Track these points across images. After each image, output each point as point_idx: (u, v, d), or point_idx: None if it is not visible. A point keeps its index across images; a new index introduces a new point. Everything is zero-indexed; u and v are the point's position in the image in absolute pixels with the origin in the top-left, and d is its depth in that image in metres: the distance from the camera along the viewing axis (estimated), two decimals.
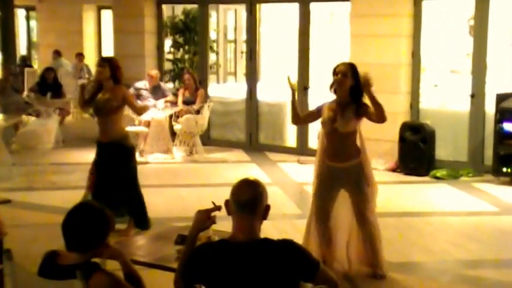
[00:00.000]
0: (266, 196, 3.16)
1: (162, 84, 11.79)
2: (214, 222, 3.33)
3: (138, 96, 11.19)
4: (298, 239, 6.58)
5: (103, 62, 6.70)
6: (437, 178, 9.57)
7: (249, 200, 3.09)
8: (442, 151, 10.00)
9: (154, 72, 11.59)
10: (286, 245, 3.11)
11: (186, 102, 11.18)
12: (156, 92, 11.39)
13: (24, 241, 6.10)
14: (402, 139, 9.91)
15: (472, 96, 9.80)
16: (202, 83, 12.05)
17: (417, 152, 9.74)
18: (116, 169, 6.72)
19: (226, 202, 3.16)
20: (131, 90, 11.30)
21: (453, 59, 11.47)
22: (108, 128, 6.66)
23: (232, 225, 3.14)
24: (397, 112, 10.14)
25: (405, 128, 9.92)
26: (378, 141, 10.19)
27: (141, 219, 6.92)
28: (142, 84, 11.44)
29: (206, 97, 11.60)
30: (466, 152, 9.90)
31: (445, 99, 10.82)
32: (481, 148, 9.83)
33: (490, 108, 9.71)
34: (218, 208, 3.32)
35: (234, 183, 3.18)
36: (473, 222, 7.63)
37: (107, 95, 6.64)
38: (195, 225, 3.30)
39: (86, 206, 3.25)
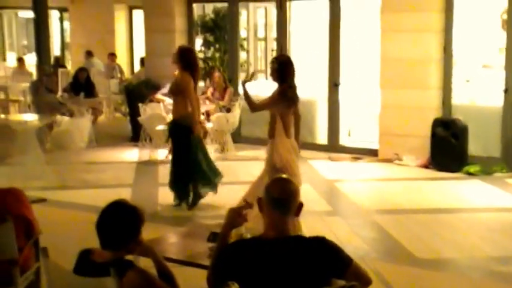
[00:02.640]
0: (299, 194, 3.18)
1: None
2: (246, 220, 3.36)
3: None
4: (329, 235, 6.58)
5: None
6: (470, 174, 9.48)
7: (282, 197, 3.11)
8: (475, 147, 9.91)
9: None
10: (318, 242, 3.12)
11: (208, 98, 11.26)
12: None
13: (59, 239, 6.17)
14: (434, 135, 9.84)
15: (505, 91, 9.68)
16: (233, 81, 12.08)
17: (449, 148, 9.67)
18: None
19: (259, 200, 3.18)
20: (164, 91, 11.40)
21: (485, 53, 11.34)
22: None
23: (265, 222, 3.16)
24: (428, 107, 10.08)
25: (437, 123, 9.85)
26: (409, 137, 10.15)
27: None
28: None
29: (236, 95, 11.63)
30: (499, 147, 9.80)
31: (477, 95, 10.70)
32: None
33: None
34: (250, 206, 3.35)
35: (268, 181, 3.21)
36: (506, 218, 7.55)
37: None
38: (227, 223, 3.33)
39: (118, 205, 3.30)
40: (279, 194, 3.12)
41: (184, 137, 7.64)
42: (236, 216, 3.33)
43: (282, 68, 6.40)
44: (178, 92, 7.64)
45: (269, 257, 3.05)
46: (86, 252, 3.30)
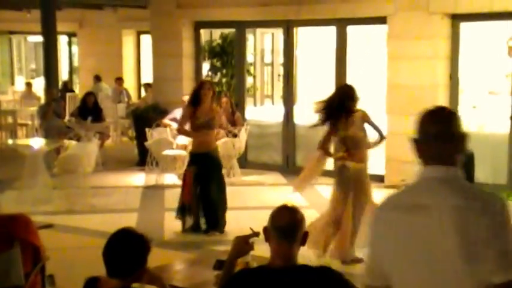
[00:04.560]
0: (305, 223, 3.17)
1: None
2: (252, 249, 3.36)
3: (176, 120, 11.38)
4: (336, 262, 6.58)
5: None
6: None
7: (288, 227, 3.11)
8: (481, 174, 9.87)
9: (185, 98, 11.65)
10: (324, 271, 3.12)
11: (222, 126, 11.27)
12: None
13: (65, 265, 6.19)
14: None
15: None
16: (240, 106, 12.13)
17: None
18: None
19: (265, 229, 3.17)
20: (171, 116, 11.45)
21: (491, 80, 11.38)
22: None
23: (271, 251, 3.16)
24: None
25: None
26: (416, 164, 10.13)
27: None
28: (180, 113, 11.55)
29: (243, 120, 11.68)
30: (506, 174, 9.77)
31: (484, 121, 10.71)
32: None
33: None
34: (256, 234, 3.35)
35: (273, 210, 3.20)
36: None
37: None
38: (233, 251, 3.34)
39: (125, 233, 3.31)
40: (286, 224, 3.11)
41: (219, 167, 8.07)
42: (243, 244, 3.34)
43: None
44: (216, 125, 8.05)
45: (275, 287, 3.04)
46: (93, 280, 3.31)
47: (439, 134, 2.59)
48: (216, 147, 8.16)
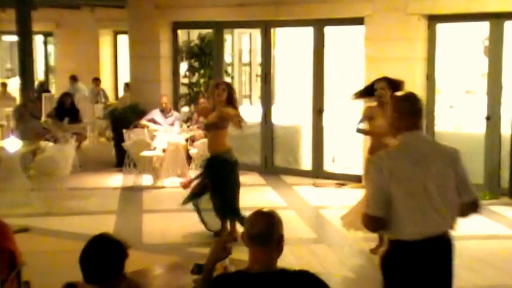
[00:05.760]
0: (280, 226, 3.16)
1: (175, 113, 11.83)
2: (230, 253, 3.36)
3: (154, 121, 11.35)
4: (315, 264, 6.60)
5: None
6: None
7: (261, 232, 3.10)
8: None
9: (164, 99, 11.63)
10: (303, 275, 3.12)
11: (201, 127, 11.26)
12: (168, 117, 11.52)
13: (42, 270, 6.12)
14: None
15: (488, 118, 9.78)
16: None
17: None
18: None
19: (243, 234, 3.18)
20: (149, 117, 11.42)
21: (468, 79, 11.46)
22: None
23: (249, 256, 3.16)
24: None
25: None
26: None
27: None
28: (158, 114, 11.52)
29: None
30: (482, 174, 9.85)
31: (461, 122, 10.80)
32: (497, 171, 9.78)
33: (506, 130, 9.68)
34: (234, 239, 3.35)
35: (248, 216, 3.20)
36: (489, 246, 7.57)
37: None
38: (211, 256, 3.33)
39: (102, 239, 3.29)
40: (258, 230, 3.11)
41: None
42: (221, 249, 3.33)
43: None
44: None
45: None
46: (70, 286, 3.28)
47: (418, 110, 3.90)
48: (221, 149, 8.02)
